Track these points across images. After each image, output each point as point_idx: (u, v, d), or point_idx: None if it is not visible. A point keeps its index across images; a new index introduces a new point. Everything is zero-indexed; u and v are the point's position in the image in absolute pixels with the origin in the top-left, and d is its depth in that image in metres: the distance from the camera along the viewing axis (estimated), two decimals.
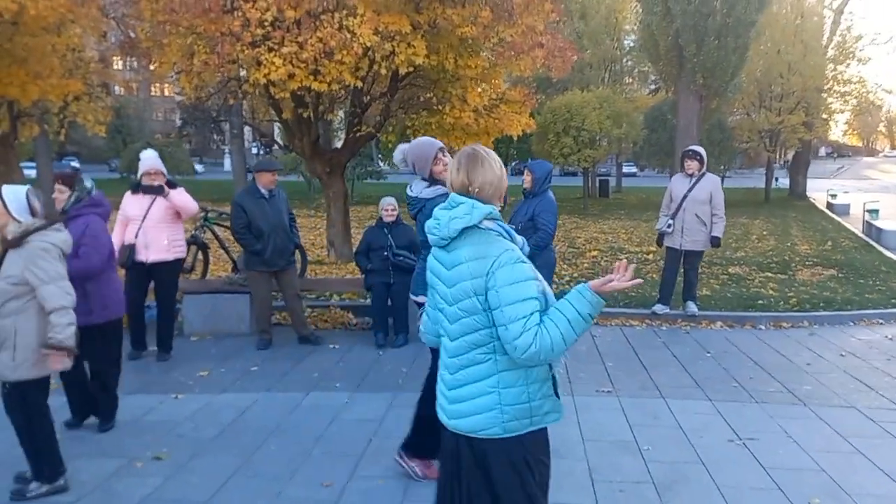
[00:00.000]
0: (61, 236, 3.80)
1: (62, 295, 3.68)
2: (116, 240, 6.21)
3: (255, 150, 36.15)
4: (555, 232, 6.45)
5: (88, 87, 11.22)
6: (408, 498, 3.91)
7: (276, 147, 37.68)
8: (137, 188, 6.52)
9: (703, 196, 7.63)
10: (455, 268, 2.42)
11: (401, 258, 7.07)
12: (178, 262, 6.68)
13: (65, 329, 3.66)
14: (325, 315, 8.16)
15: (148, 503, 3.83)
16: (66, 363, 3.74)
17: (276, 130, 35.64)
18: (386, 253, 7.09)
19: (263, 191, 6.85)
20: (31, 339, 3.70)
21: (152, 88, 34.84)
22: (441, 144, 4.03)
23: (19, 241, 3.71)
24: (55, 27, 10.10)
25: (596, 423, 4.99)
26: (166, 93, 37.13)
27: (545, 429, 2.49)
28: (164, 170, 6.59)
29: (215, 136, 43.70)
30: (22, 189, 3.82)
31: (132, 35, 11.07)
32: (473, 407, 2.40)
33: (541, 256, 6.39)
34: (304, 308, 7.63)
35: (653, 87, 38.82)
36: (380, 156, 37.74)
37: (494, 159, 2.50)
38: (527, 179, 6.59)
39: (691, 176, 7.73)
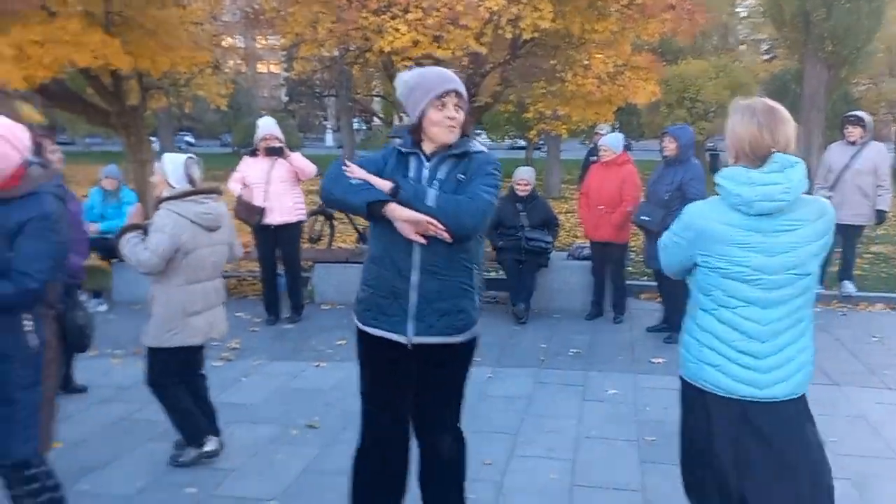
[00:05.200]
0: (196, 208, 3.68)
1: (136, 255, 3.54)
2: (233, 196, 6.46)
3: (355, 126, 36.51)
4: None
5: (212, 60, 11.38)
6: (577, 481, 3.65)
7: (375, 121, 38.03)
8: (255, 152, 6.61)
9: (867, 166, 6.94)
10: (791, 232, 2.28)
11: (534, 242, 6.75)
12: (300, 224, 6.84)
13: (127, 246, 3.56)
14: None
15: (309, 474, 3.73)
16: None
17: (377, 105, 35.93)
18: (518, 234, 6.77)
19: None
20: (162, 308, 3.64)
21: (260, 66, 35.65)
22: (455, 87, 2.60)
23: (157, 205, 3.67)
24: (179, 0, 10.27)
25: None
26: (273, 70, 37.97)
27: None
28: (280, 136, 6.64)
29: (318, 112, 44.49)
30: (181, 157, 3.77)
31: (255, 7, 11.11)
32: (796, 367, 2.36)
33: None
34: None
35: (766, 56, 36.73)
36: (478, 130, 37.45)
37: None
38: (670, 146, 6.14)
39: (853, 144, 7.05)
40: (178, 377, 3.76)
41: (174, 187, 3.65)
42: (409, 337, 2.62)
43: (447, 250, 2.55)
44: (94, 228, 6.73)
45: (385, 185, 2.53)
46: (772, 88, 26.51)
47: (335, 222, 9.12)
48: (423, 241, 2.49)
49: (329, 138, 47.84)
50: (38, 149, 4.55)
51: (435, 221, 2.46)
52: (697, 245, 2.35)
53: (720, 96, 21.52)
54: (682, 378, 2.53)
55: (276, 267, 6.76)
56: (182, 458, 3.78)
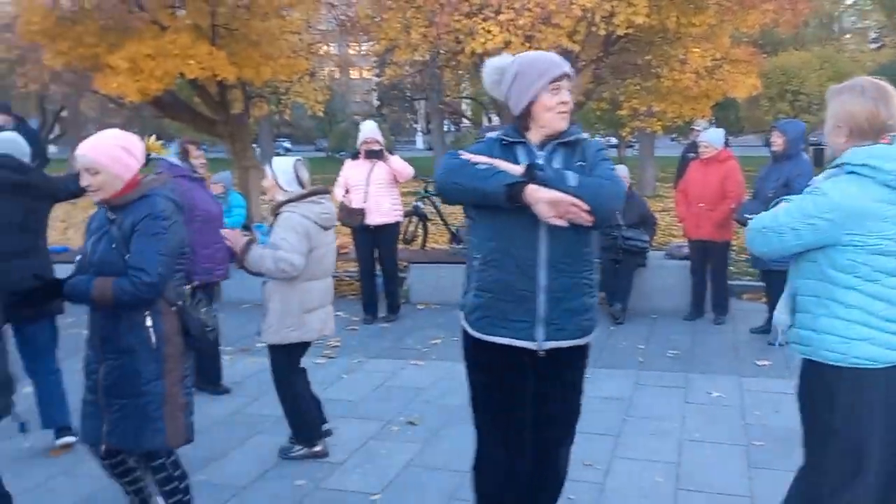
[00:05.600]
0: (316, 208, 3.81)
1: (275, 264, 3.64)
2: (337, 201, 6.60)
3: (444, 128, 36.83)
4: None
5: (310, 68, 11.76)
6: (682, 485, 3.58)
7: (464, 123, 38.20)
8: (356, 156, 6.83)
9: None
10: None
11: (631, 242, 6.63)
12: (397, 225, 7.06)
13: (266, 259, 3.64)
14: None
15: (411, 469, 3.81)
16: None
17: (465, 107, 36.11)
18: (615, 233, 6.66)
19: None
20: (279, 305, 3.77)
21: (352, 72, 36.50)
22: (568, 71, 2.49)
23: (276, 209, 3.82)
24: (279, 12, 10.66)
25: None
26: (365, 76, 38.77)
27: None
28: (381, 139, 6.83)
29: (408, 115, 45.11)
30: (290, 161, 3.92)
31: (349, 15, 11.41)
32: None
33: None
34: None
35: (873, 45, 34.70)
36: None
37: None
38: (778, 141, 5.92)
39: None
40: (296, 373, 3.91)
41: (286, 190, 3.80)
42: (539, 343, 2.47)
43: (574, 243, 2.44)
44: None
45: (516, 168, 2.38)
46: (880, 79, 25.01)
47: (428, 223, 9.24)
48: (564, 223, 2.30)
49: (419, 141, 48.43)
50: (184, 155, 4.90)
51: (579, 202, 2.29)
52: (846, 225, 2.25)
53: (824, 88, 20.38)
54: (822, 367, 2.37)
55: (375, 267, 6.94)
56: (292, 454, 3.93)
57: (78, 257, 2.88)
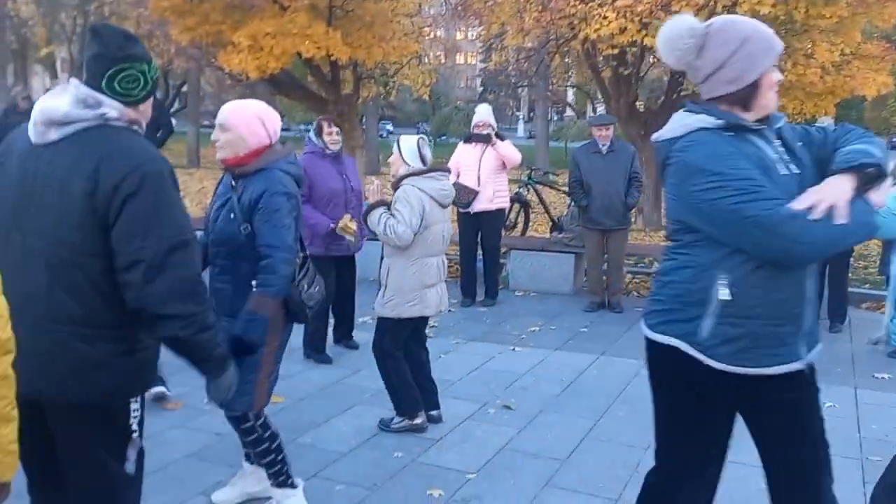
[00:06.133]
0: (435, 184, 3.87)
1: (383, 228, 3.73)
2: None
3: (548, 116, 36.48)
4: None
5: (420, 51, 11.87)
6: None
7: (569, 112, 37.68)
8: (469, 139, 6.85)
9: None
10: None
11: None
12: (500, 212, 6.97)
13: (380, 223, 3.73)
14: (647, 282, 7.78)
15: (507, 452, 3.82)
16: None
17: (570, 95, 35.57)
18: None
19: (600, 145, 6.65)
20: (397, 279, 3.84)
21: (457, 57, 36.61)
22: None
23: (396, 184, 3.90)
24: None
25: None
26: (469, 61, 38.86)
27: None
28: (493, 122, 6.80)
29: (511, 103, 44.92)
30: (415, 138, 4.02)
31: None
32: None
33: None
34: (625, 275, 7.34)
35: None
36: None
37: None
38: None
39: None
40: (405, 348, 4.00)
41: (410, 165, 3.89)
42: (804, 359, 2.12)
43: None
44: None
45: (833, 192, 1.88)
46: None
47: (530, 211, 9.20)
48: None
49: (521, 128, 48.17)
50: (318, 131, 5.10)
51: None
52: None
53: None
54: None
55: (476, 251, 6.96)
56: (393, 425, 4.01)
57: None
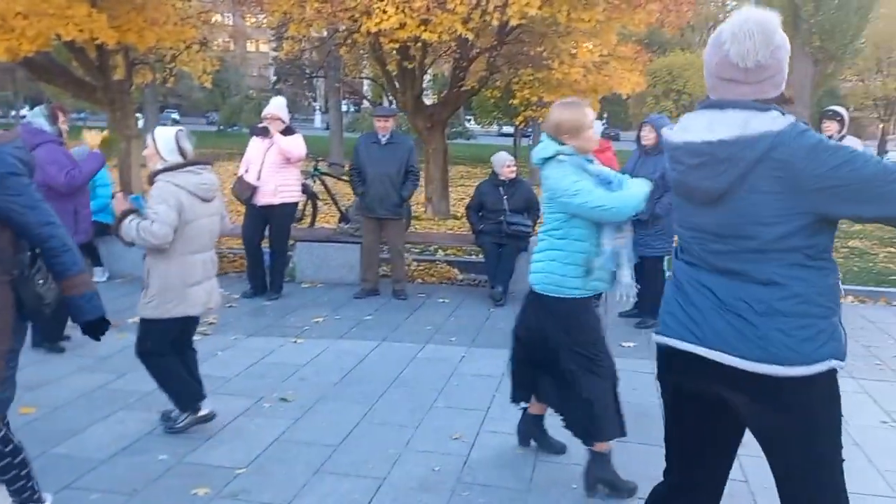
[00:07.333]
0: (193, 178, 3.74)
1: (137, 231, 3.58)
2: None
3: (343, 108, 36.43)
4: None
5: (199, 36, 11.35)
6: (541, 456, 3.76)
7: (365, 104, 37.81)
8: (253, 132, 6.83)
9: None
10: None
11: (515, 226, 6.83)
12: (287, 206, 6.86)
13: (132, 229, 3.59)
14: (431, 269, 8.07)
15: (280, 444, 3.81)
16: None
17: (366, 87, 35.75)
18: (500, 218, 6.85)
19: (380, 136, 6.78)
20: (159, 278, 3.70)
21: (248, 45, 35.42)
22: None
23: (151, 179, 3.74)
24: None
25: None
26: (262, 49, 37.72)
27: None
28: (283, 116, 6.70)
29: (307, 93, 44.25)
30: (172, 130, 3.84)
31: None
32: None
33: (669, 216, 6.09)
34: (407, 263, 7.57)
35: None
36: (468, 116, 37.34)
37: None
38: (650, 136, 6.23)
39: (829, 138, 7.16)
40: (171, 348, 3.83)
41: (166, 160, 3.71)
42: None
43: None
44: None
45: None
46: None
47: (319, 202, 9.17)
48: None
49: (318, 119, 47.64)
50: (53, 119, 4.68)
51: None
52: None
53: (705, 88, 21.66)
54: None
55: (259, 245, 6.85)
56: (178, 424, 3.85)
57: None
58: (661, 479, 2.36)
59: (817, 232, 1.95)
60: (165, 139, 3.74)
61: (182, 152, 3.76)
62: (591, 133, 3.32)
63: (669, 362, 2.22)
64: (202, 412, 3.90)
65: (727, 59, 1.97)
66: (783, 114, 1.96)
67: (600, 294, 3.54)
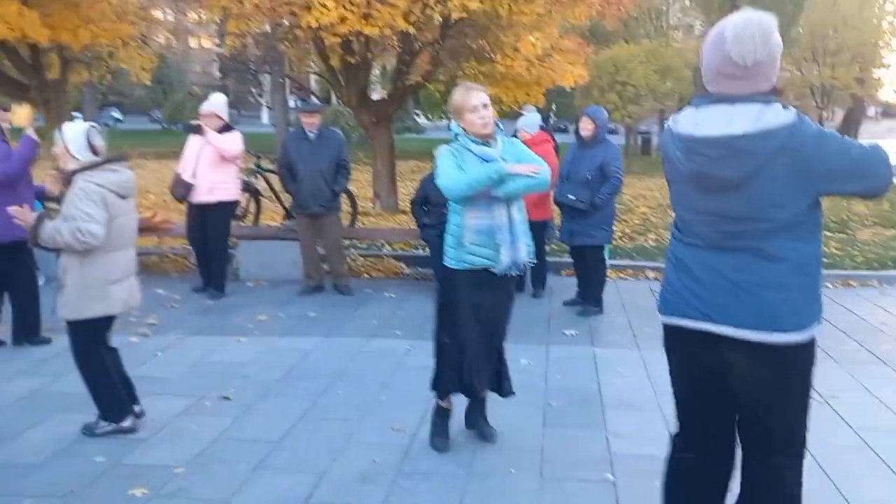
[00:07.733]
0: (113, 176, 3.67)
1: (73, 236, 3.51)
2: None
3: (291, 103, 36.09)
4: None
5: (137, 33, 11.13)
6: (481, 444, 3.82)
7: (312, 99, 37.48)
8: (188, 129, 6.80)
9: None
10: None
11: None
12: (223, 205, 6.76)
13: (62, 234, 3.51)
14: (378, 264, 8.09)
15: (220, 442, 3.80)
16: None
17: (313, 82, 35.40)
18: (445, 211, 6.88)
19: (308, 132, 6.76)
20: (78, 279, 3.64)
21: (191, 40, 34.73)
22: None
23: (67, 179, 3.65)
24: None
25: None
26: (205, 45, 37.01)
27: None
28: (218, 112, 6.64)
29: (253, 89, 43.63)
30: (82, 127, 3.75)
31: None
32: None
33: (608, 206, 6.23)
34: (353, 259, 7.56)
35: (699, 40, 37.68)
36: (416, 110, 37.32)
37: None
38: (588, 127, 6.34)
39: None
40: (100, 348, 3.77)
41: (78, 158, 3.64)
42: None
43: None
44: None
45: None
46: (699, 73, 27.20)
47: (262, 199, 9.09)
48: None
49: (265, 116, 47.00)
50: None
51: None
52: None
53: (650, 80, 22.09)
54: None
55: (202, 241, 6.78)
56: (97, 430, 3.80)
57: None
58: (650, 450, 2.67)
59: (815, 207, 2.21)
60: (74, 136, 3.65)
61: (94, 149, 3.68)
62: (472, 117, 3.50)
63: (677, 336, 2.43)
64: (125, 423, 3.84)
65: (729, 57, 2.15)
66: (785, 107, 2.15)
67: (517, 276, 3.81)
